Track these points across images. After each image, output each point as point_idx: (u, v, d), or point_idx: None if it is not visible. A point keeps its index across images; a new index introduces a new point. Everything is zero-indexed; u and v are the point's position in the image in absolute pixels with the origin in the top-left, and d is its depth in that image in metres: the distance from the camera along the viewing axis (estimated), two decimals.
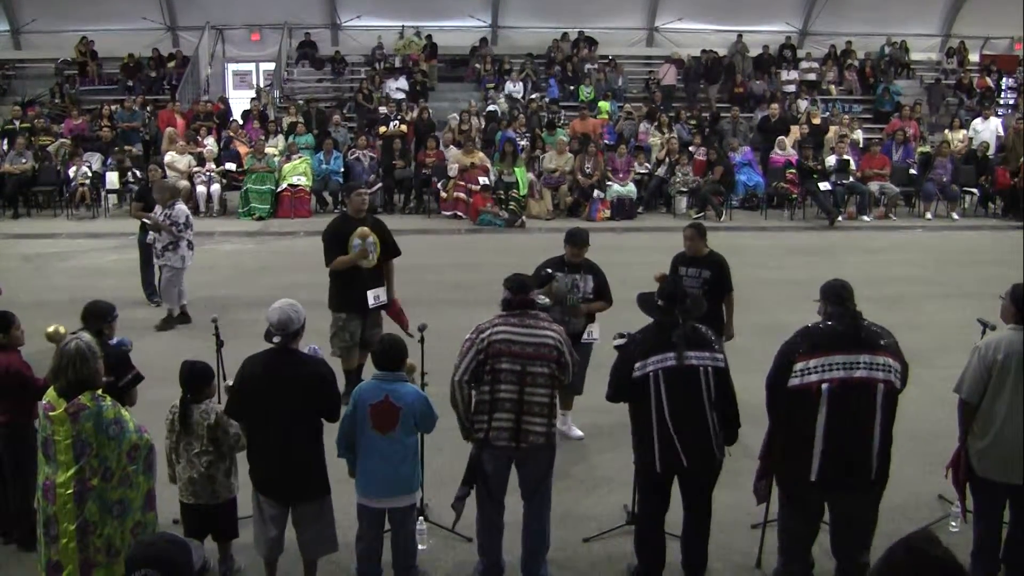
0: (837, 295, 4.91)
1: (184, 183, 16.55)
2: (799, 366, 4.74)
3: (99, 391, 4.50)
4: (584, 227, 7.39)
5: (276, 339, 5.01)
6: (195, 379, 5.28)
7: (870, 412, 4.70)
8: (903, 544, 2.92)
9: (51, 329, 5.40)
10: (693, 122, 20.38)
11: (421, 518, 5.64)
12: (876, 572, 2.93)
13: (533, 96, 21.88)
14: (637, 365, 4.97)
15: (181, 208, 10.10)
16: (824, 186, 17.12)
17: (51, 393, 4.52)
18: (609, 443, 7.20)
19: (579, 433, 7.38)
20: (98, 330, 5.51)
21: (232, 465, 5.31)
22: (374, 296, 7.58)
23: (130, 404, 4.86)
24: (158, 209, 10.06)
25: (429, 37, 23.92)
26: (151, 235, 9.98)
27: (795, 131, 19.27)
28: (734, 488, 5.29)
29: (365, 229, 7.54)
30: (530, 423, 5.13)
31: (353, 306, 7.63)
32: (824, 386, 4.68)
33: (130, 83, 22.17)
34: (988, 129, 20.00)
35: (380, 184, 17.41)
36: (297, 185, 17.05)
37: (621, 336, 5.30)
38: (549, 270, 6.96)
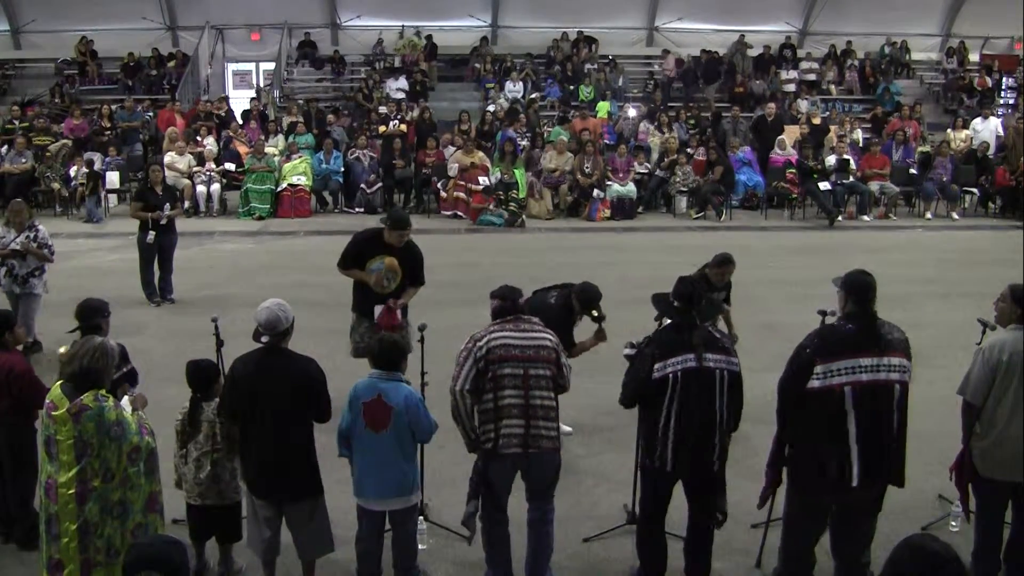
0: (862, 295, 4.82)
1: (185, 182, 16.62)
2: (820, 368, 4.69)
3: (102, 391, 4.49)
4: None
5: (264, 339, 5.01)
6: (202, 377, 5.29)
7: (890, 413, 4.71)
8: (904, 544, 3.06)
9: (62, 350, 5.33)
10: (692, 122, 20.38)
11: (421, 518, 5.63)
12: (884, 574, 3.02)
13: (533, 96, 21.87)
14: (657, 366, 4.93)
15: (45, 229, 9.18)
16: (824, 186, 17.12)
17: (55, 392, 4.52)
18: (608, 442, 7.20)
19: (568, 429, 7.30)
20: (96, 325, 5.51)
21: (238, 467, 5.31)
22: (382, 311, 7.48)
23: (142, 406, 4.85)
24: (11, 234, 8.95)
25: (429, 37, 23.93)
26: (12, 262, 8.92)
27: (793, 131, 19.27)
28: (733, 488, 5.28)
29: (393, 261, 7.37)
30: (538, 427, 5.07)
31: (362, 309, 7.58)
32: (847, 389, 4.65)
33: (130, 83, 22.17)
34: (988, 129, 19.98)
35: (380, 184, 17.42)
36: (297, 185, 17.04)
37: (631, 346, 5.27)
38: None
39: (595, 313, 6.70)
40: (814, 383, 4.71)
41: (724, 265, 7.43)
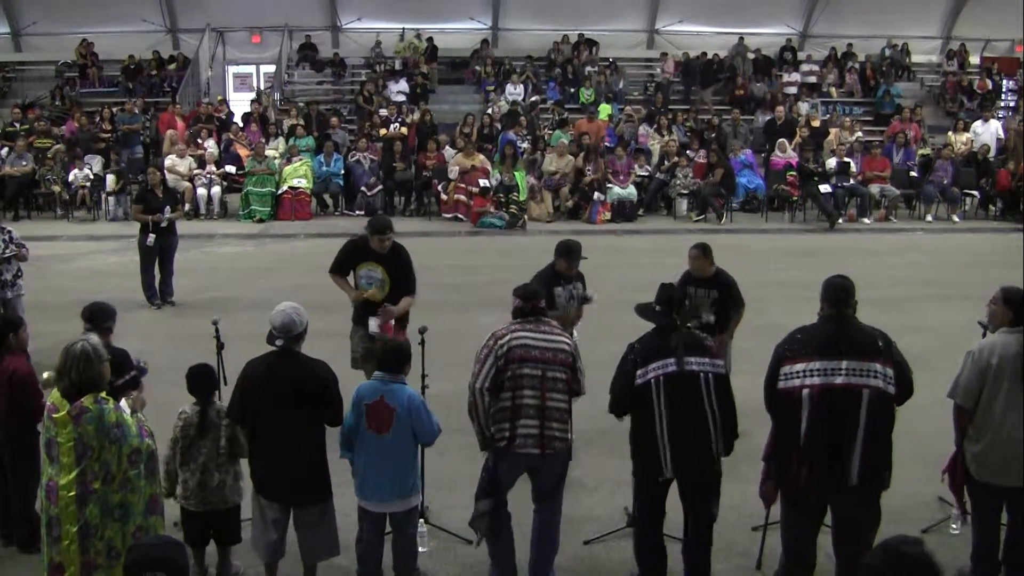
0: (834, 297, 4.84)
1: (185, 185, 16.63)
2: (785, 369, 4.75)
3: (102, 394, 4.49)
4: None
5: (279, 342, 5.02)
6: (206, 381, 5.31)
7: (853, 418, 4.65)
8: (879, 547, 3.09)
9: (46, 375, 5.30)
10: (689, 124, 20.37)
11: (422, 520, 5.64)
12: None
13: (534, 98, 21.88)
14: (639, 372, 4.95)
15: (13, 229, 9.05)
16: (824, 188, 17.12)
17: (55, 394, 4.51)
18: (608, 445, 7.18)
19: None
20: (108, 328, 5.51)
21: (240, 468, 5.30)
22: (377, 324, 7.37)
23: (140, 407, 4.85)
24: None
25: (430, 40, 23.94)
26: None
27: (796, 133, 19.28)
28: (734, 489, 5.29)
29: (374, 293, 7.23)
30: (552, 429, 5.12)
31: (358, 319, 7.53)
32: (805, 391, 4.67)
33: (131, 85, 22.19)
34: (988, 131, 20.00)
35: (380, 186, 17.42)
36: (298, 187, 17.06)
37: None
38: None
39: (589, 294, 6.81)
40: (779, 384, 4.77)
41: (694, 249, 7.28)
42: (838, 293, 4.84)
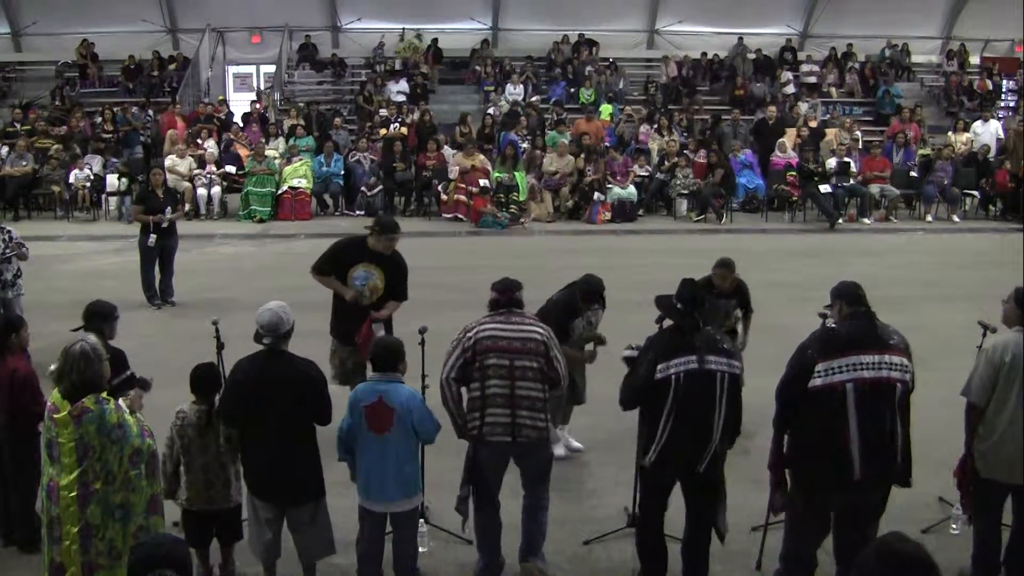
0: (854, 295, 4.88)
1: (185, 185, 16.63)
2: (822, 367, 4.70)
3: (103, 394, 4.49)
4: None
5: (266, 340, 5.03)
6: (211, 381, 5.31)
7: (892, 411, 4.71)
8: (873, 546, 3.02)
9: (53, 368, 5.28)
10: (684, 124, 20.36)
11: (422, 520, 5.64)
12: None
13: (534, 99, 21.88)
14: (660, 367, 4.93)
15: (13, 228, 9.05)
16: (825, 188, 17.12)
17: (56, 395, 4.52)
18: (608, 446, 7.19)
19: (578, 445, 7.34)
20: (99, 329, 5.51)
21: (240, 467, 5.30)
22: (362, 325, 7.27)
23: (138, 408, 4.85)
24: None
25: (435, 41, 23.95)
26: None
27: (792, 133, 19.27)
28: (734, 490, 5.29)
29: (377, 285, 7.03)
30: (523, 417, 5.21)
31: (340, 335, 7.26)
32: (849, 386, 4.66)
33: (131, 85, 22.19)
34: (988, 131, 20.00)
35: (380, 186, 17.42)
36: (298, 187, 17.07)
37: (631, 348, 5.30)
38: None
39: (599, 335, 6.73)
40: (816, 381, 4.71)
41: (720, 268, 7.44)
42: (856, 290, 4.91)
